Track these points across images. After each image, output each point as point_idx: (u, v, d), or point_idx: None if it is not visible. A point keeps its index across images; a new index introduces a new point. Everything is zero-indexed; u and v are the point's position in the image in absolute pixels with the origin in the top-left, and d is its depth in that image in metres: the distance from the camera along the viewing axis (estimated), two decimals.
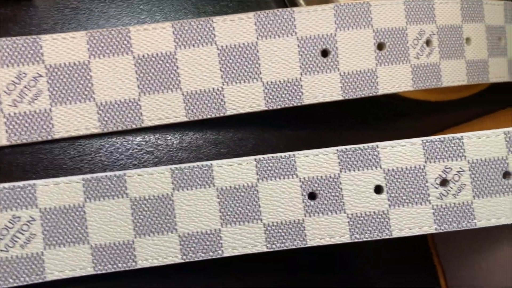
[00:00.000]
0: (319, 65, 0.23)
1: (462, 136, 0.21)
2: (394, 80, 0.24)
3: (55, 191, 0.20)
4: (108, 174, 0.21)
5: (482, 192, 0.21)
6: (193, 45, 0.22)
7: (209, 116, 0.22)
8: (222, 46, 0.22)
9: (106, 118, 0.22)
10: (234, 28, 0.22)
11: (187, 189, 0.21)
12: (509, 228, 0.23)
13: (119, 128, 0.22)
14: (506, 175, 0.21)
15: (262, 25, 0.22)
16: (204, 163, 0.21)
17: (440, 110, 0.30)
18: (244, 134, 0.25)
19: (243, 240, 0.21)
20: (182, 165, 0.21)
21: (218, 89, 0.22)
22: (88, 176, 0.21)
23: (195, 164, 0.21)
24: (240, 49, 0.22)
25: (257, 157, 0.21)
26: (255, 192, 0.21)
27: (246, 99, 0.22)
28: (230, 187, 0.21)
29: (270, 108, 0.23)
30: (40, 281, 0.20)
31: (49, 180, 0.20)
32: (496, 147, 0.21)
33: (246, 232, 0.21)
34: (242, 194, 0.21)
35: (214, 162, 0.21)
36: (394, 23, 0.23)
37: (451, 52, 0.25)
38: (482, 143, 0.21)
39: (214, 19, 0.22)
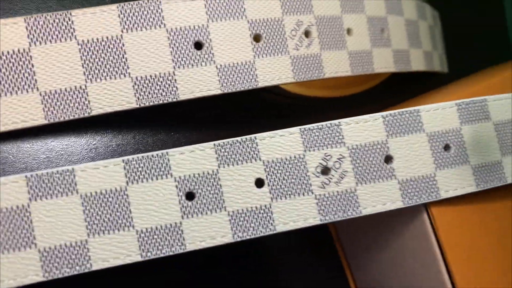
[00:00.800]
0: (193, 58, 0.22)
1: (340, 122, 0.21)
2: (274, 72, 0.23)
3: None
4: None
5: (365, 178, 0.21)
6: (50, 41, 0.20)
7: (72, 117, 0.20)
8: (83, 41, 0.20)
9: None
10: (96, 21, 0.20)
11: (46, 198, 0.19)
12: (396, 214, 0.23)
13: None
14: (387, 159, 0.21)
15: (126, 17, 0.21)
16: (65, 167, 0.19)
17: (346, 105, 0.30)
18: (124, 139, 0.24)
19: (114, 250, 0.19)
20: (39, 172, 0.19)
21: (80, 87, 0.20)
22: None
23: (54, 169, 0.19)
24: (103, 43, 0.21)
25: (126, 157, 0.19)
26: (125, 196, 0.19)
27: (113, 96, 0.21)
28: (96, 192, 0.19)
29: (142, 105, 0.21)
30: None
31: None
32: (375, 131, 0.21)
33: (116, 241, 0.19)
34: (110, 199, 0.19)
35: (76, 166, 0.19)
36: (269, 14, 0.23)
37: (332, 43, 0.24)
38: (361, 128, 0.21)
39: (73, 12, 0.20)
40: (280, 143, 0.20)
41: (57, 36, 0.20)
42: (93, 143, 0.23)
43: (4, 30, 0.20)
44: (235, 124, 0.26)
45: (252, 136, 0.20)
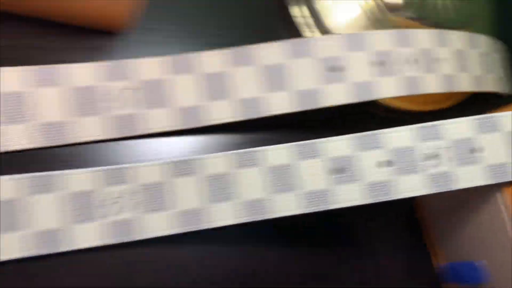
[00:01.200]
0: (330, 78, 0.32)
1: (441, 123, 0.29)
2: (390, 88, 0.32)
3: None
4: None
5: (457, 163, 0.29)
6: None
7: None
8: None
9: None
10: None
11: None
12: (475, 195, 0.31)
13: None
14: (472, 150, 0.29)
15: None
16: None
17: (428, 118, 0.38)
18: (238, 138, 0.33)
19: (285, 204, 0.28)
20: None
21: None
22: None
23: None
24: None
25: (298, 143, 0.28)
26: (289, 168, 0.28)
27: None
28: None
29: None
30: None
31: None
32: (467, 129, 0.29)
33: (287, 200, 0.28)
34: (282, 170, 0.28)
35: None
36: (386, 47, 0.32)
37: (427, 69, 0.33)
38: (456, 127, 0.29)
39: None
40: (396, 136, 0.29)
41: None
42: (224, 140, 0.32)
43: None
44: (345, 128, 0.35)
45: (380, 130, 0.29)
